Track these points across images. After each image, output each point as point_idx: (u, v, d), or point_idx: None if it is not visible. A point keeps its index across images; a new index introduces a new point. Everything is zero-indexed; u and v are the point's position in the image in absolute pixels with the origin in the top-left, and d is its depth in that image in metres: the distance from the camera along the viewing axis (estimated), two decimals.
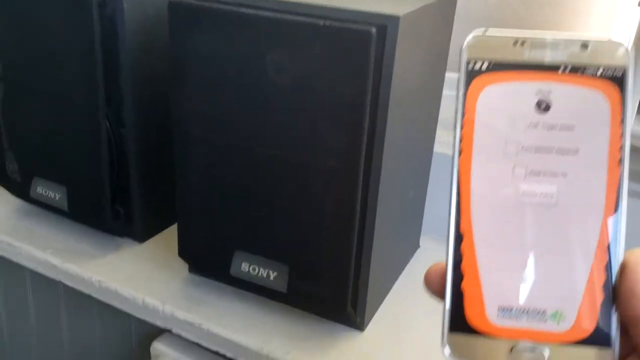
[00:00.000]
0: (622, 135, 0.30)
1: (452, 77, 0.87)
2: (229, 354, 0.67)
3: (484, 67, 0.31)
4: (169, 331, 0.74)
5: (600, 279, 0.31)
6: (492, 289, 0.31)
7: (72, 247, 0.80)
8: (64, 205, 0.79)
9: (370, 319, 0.69)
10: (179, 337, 0.73)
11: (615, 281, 0.31)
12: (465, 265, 0.31)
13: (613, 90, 0.30)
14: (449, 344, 0.31)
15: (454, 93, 0.82)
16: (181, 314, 0.69)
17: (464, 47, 0.31)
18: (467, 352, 0.31)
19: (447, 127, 0.87)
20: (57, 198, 0.80)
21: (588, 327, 0.31)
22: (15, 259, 0.82)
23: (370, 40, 0.53)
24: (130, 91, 0.73)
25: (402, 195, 0.71)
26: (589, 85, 0.30)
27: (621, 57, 0.30)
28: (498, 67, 0.31)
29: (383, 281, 0.72)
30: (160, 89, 0.76)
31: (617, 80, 0.30)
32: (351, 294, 0.63)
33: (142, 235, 0.82)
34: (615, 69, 0.30)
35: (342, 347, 0.65)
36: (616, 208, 0.30)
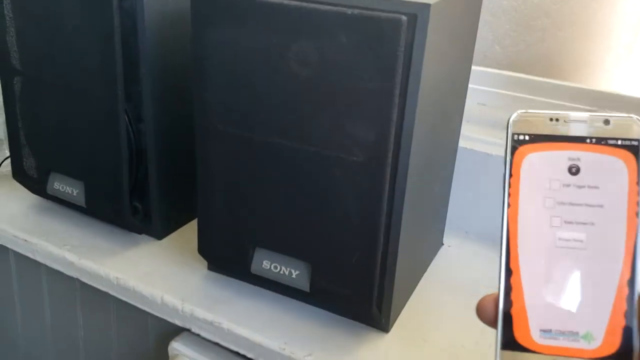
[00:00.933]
0: (639, 193, 0.38)
1: (475, 70, 0.85)
2: (249, 355, 0.65)
3: (526, 138, 0.39)
4: (188, 330, 0.72)
5: (622, 308, 0.39)
6: (535, 314, 0.39)
7: (89, 243, 0.79)
8: (82, 201, 0.78)
9: (395, 319, 0.67)
10: (198, 336, 0.71)
11: (637, 307, 0.38)
12: (514, 295, 0.40)
13: (630, 157, 0.38)
14: (501, 359, 0.39)
15: (476, 86, 0.81)
16: (200, 313, 0.67)
17: (510, 122, 0.40)
18: None
19: (469, 121, 0.85)
20: (74, 194, 0.79)
21: (613, 346, 0.39)
22: (31, 255, 0.80)
23: (401, 29, 0.51)
24: (150, 86, 0.72)
25: (428, 191, 0.69)
26: (610, 153, 0.38)
27: (637, 130, 0.38)
28: (537, 138, 0.39)
29: (408, 280, 0.70)
30: (179, 84, 0.75)
31: (634, 149, 0.38)
32: (376, 293, 0.61)
33: (160, 232, 0.80)
34: (631, 140, 0.38)
35: (366, 349, 0.63)
36: (635, 251, 0.39)
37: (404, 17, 0.50)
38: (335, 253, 0.61)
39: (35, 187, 0.84)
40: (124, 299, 0.73)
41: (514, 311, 0.40)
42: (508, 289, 0.40)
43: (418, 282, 0.74)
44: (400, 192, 0.58)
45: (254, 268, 0.66)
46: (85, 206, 0.78)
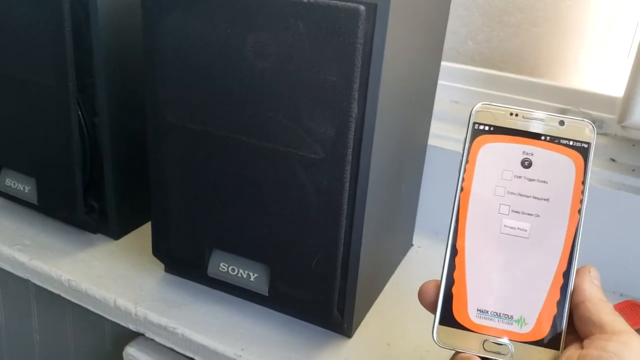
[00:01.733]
0: (583, 192, 0.41)
1: (448, 67, 0.83)
2: None
3: (486, 129, 0.42)
4: (143, 335, 0.69)
5: (555, 297, 0.41)
6: (474, 294, 0.42)
7: (41, 243, 0.75)
8: (34, 199, 0.74)
9: (359, 324, 0.64)
10: (153, 341, 0.68)
11: (569, 296, 0.41)
12: (456, 274, 0.42)
13: (579, 158, 0.41)
14: (437, 333, 0.41)
15: (448, 83, 0.79)
16: (154, 317, 0.64)
17: (473, 111, 0.42)
18: (451, 341, 0.42)
19: (441, 119, 0.82)
20: (26, 190, 0.75)
21: (543, 332, 0.41)
22: None
23: (359, 19, 0.48)
24: (104, 77, 0.68)
25: (394, 189, 0.66)
26: (561, 152, 0.41)
27: (588, 134, 0.41)
28: (496, 130, 0.42)
29: (373, 282, 0.67)
30: (136, 76, 0.71)
31: (583, 150, 0.41)
32: (338, 297, 0.58)
33: (116, 231, 0.77)
34: (582, 143, 0.41)
35: (327, 355, 0.60)
36: (573, 244, 0.41)
37: (362, 7, 0.47)
38: (295, 255, 0.58)
39: None
40: (76, 302, 0.70)
41: (455, 289, 0.42)
42: (452, 267, 0.42)
43: (385, 284, 0.71)
44: (363, 190, 0.55)
45: (211, 271, 0.63)
46: (37, 204, 0.75)
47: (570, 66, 0.82)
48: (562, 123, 0.41)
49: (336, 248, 0.56)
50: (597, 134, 0.76)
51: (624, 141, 0.75)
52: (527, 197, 0.41)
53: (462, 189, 0.42)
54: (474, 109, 0.42)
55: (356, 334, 0.63)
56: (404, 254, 0.78)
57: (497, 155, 0.42)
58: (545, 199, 0.41)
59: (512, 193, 0.42)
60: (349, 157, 0.53)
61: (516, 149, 0.42)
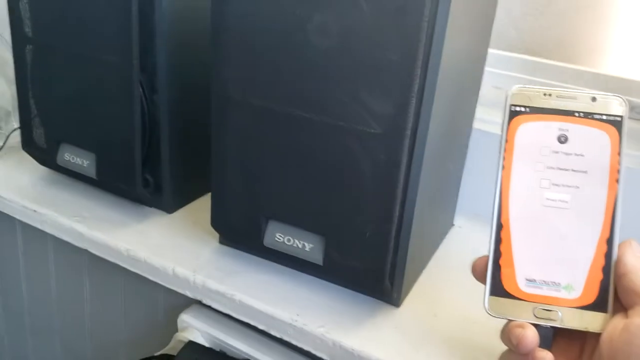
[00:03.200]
0: (619, 162, 0.43)
1: (491, 53, 0.85)
2: (260, 326, 0.65)
3: (522, 109, 0.44)
4: (197, 302, 0.72)
5: (600, 263, 0.43)
6: (521, 265, 0.44)
7: (99, 215, 0.79)
8: (92, 173, 0.78)
9: (407, 295, 0.67)
10: (207, 308, 0.71)
11: (614, 265, 0.43)
12: (503, 247, 0.44)
13: (613, 130, 0.43)
14: (489, 304, 0.44)
15: (491, 69, 0.82)
16: (213, 284, 0.67)
17: (508, 94, 0.45)
18: (503, 310, 0.44)
19: (483, 104, 0.84)
20: (85, 165, 0.78)
21: (591, 297, 0.43)
22: (39, 226, 0.80)
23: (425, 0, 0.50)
24: (165, 57, 0.71)
25: (443, 168, 0.69)
26: (595, 126, 0.43)
27: (619, 108, 0.43)
28: (532, 110, 0.44)
29: (420, 258, 0.70)
30: (195, 55, 0.74)
31: (616, 123, 0.43)
32: (389, 268, 0.61)
33: (171, 205, 0.80)
34: (615, 116, 0.43)
35: (377, 322, 0.63)
36: (614, 212, 0.43)
37: None
38: (350, 226, 0.61)
39: (45, 159, 0.83)
40: (134, 270, 0.73)
41: (502, 261, 0.44)
42: (498, 241, 0.44)
43: (429, 260, 0.74)
44: (417, 166, 0.58)
45: (267, 241, 0.66)
46: (96, 178, 0.78)
47: (611, 53, 0.84)
48: (594, 99, 0.44)
49: (391, 220, 0.59)
50: (636, 119, 0.78)
51: None
52: (566, 170, 0.44)
53: (503, 167, 0.44)
54: (510, 91, 0.45)
55: (404, 304, 0.66)
56: (446, 233, 0.81)
57: (534, 133, 0.44)
58: (583, 171, 0.44)
59: (551, 167, 0.44)
60: (408, 133, 0.56)
61: (552, 126, 0.44)
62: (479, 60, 0.71)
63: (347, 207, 0.60)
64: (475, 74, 0.71)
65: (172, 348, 0.73)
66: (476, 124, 0.79)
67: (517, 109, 0.45)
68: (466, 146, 0.77)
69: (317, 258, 0.64)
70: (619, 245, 0.44)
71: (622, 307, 0.43)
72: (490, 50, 0.83)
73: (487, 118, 0.81)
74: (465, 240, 0.80)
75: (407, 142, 0.56)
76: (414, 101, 0.54)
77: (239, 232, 0.69)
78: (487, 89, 0.86)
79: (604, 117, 0.44)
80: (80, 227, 0.76)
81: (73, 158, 0.80)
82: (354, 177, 0.59)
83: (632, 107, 0.78)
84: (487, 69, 0.84)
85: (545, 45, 0.86)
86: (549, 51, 0.86)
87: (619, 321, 0.42)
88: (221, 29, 0.60)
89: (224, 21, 0.60)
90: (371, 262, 0.61)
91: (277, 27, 0.58)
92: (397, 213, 0.59)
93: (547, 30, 0.85)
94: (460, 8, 0.56)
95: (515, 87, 0.45)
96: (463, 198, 0.82)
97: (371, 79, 0.55)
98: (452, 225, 0.83)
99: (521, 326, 0.43)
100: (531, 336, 0.43)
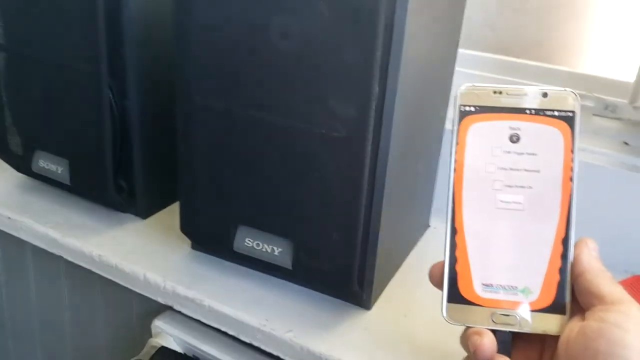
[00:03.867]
0: (572, 160, 0.42)
1: (465, 54, 0.85)
2: (230, 331, 0.65)
3: (472, 109, 0.43)
4: (170, 308, 0.72)
5: (557, 265, 0.42)
6: (477, 269, 0.43)
7: (73, 221, 0.78)
8: (66, 179, 0.78)
9: (377, 297, 0.67)
10: (180, 314, 0.71)
11: (570, 265, 0.42)
12: (458, 252, 0.43)
13: (566, 127, 0.42)
14: (447, 311, 0.43)
15: (465, 70, 0.82)
16: (182, 290, 0.67)
17: (457, 94, 0.44)
18: (461, 317, 0.43)
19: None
20: (59, 171, 0.78)
21: (549, 299, 0.42)
22: (15, 233, 0.80)
23: (380, 2, 0.50)
24: (135, 62, 0.71)
25: (412, 169, 0.68)
26: (547, 123, 0.42)
27: (572, 103, 0.42)
28: (482, 109, 0.43)
29: (391, 260, 0.70)
30: (165, 60, 0.74)
31: (569, 119, 0.42)
32: (358, 270, 0.61)
33: (145, 211, 0.80)
34: (567, 112, 0.42)
35: (346, 326, 0.63)
36: (569, 212, 0.42)
37: None
38: (318, 230, 0.61)
39: (21, 165, 0.83)
40: (107, 276, 0.73)
41: (458, 267, 0.43)
42: (453, 246, 0.44)
43: (403, 261, 0.74)
44: (382, 168, 0.58)
45: (237, 246, 0.66)
46: (70, 184, 0.78)
47: (585, 52, 0.83)
48: (545, 95, 0.42)
49: (357, 222, 0.59)
50: (611, 118, 0.78)
51: (637, 125, 0.77)
52: (518, 170, 0.43)
53: (455, 170, 0.43)
54: (458, 91, 0.44)
55: (375, 307, 0.66)
56: (421, 234, 0.80)
57: (485, 134, 0.43)
58: (536, 171, 0.42)
59: (503, 168, 0.43)
60: (370, 135, 0.55)
61: (502, 125, 0.43)
62: (448, 61, 0.71)
63: (314, 210, 0.60)
64: (443, 74, 0.71)
65: (146, 353, 0.73)
66: (450, 125, 0.78)
67: (467, 108, 0.44)
68: (439, 146, 0.77)
69: (286, 262, 0.63)
70: (575, 245, 0.43)
71: (579, 308, 0.43)
72: (465, 51, 0.83)
73: None
74: (441, 242, 0.79)
75: (369, 145, 0.56)
76: (374, 104, 0.54)
77: (209, 237, 0.69)
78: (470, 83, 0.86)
79: (556, 113, 0.42)
80: (55, 234, 0.76)
81: (47, 165, 0.80)
82: (320, 181, 0.59)
83: (606, 106, 0.78)
84: (462, 69, 0.84)
85: (521, 45, 0.86)
86: (524, 50, 0.86)
87: (575, 324, 0.42)
88: (184, 33, 0.60)
89: (187, 25, 0.60)
90: (339, 264, 0.61)
91: (238, 30, 0.57)
92: (363, 215, 0.59)
93: (521, 29, 0.85)
94: (421, 10, 0.56)
95: (464, 87, 0.44)
96: (439, 199, 0.82)
97: (333, 82, 0.55)
98: (428, 226, 0.82)
99: (478, 333, 0.42)
100: (488, 344, 0.42)
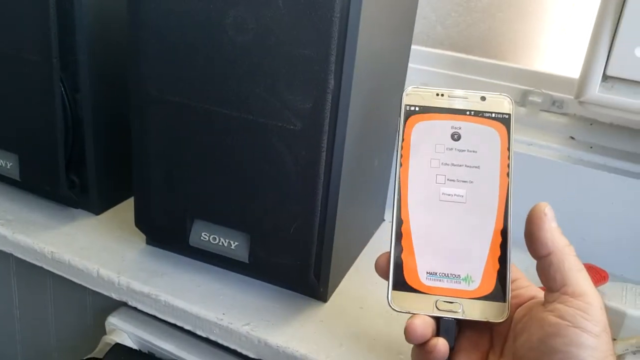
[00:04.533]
0: (509, 157, 0.45)
1: (417, 50, 0.86)
2: (187, 326, 0.65)
3: (417, 109, 0.46)
4: (125, 305, 0.71)
5: (496, 254, 0.45)
6: (422, 259, 0.45)
7: (24, 218, 0.77)
8: (16, 174, 0.76)
9: (334, 290, 0.67)
10: (135, 310, 0.70)
11: (509, 254, 0.45)
12: (404, 241, 0.45)
13: (502, 127, 0.45)
14: (392, 298, 0.45)
15: (418, 66, 0.84)
16: (137, 286, 0.66)
17: (404, 95, 0.47)
18: (405, 304, 0.45)
19: None
20: (8, 167, 0.76)
21: (489, 287, 0.44)
22: None
23: None
24: (87, 54, 0.70)
25: (368, 163, 0.69)
26: (486, 124, 0.46)
27: (507, 106, 0.46)
28: (426, 109, 0.46)
29: (347, 253, 0.71)
30: (118, 53, 0.73)
31: (505, 121, 0.45)
32: (314, 263, 0.61)
33: (98, 206, 0.78)
34: (503, 114, 0.46)
35: (303, 318, 0.63)
36: (507, 205, 0.45)
37: None
38: (274, 223, 0.61)
39: None
40: (59, 273, 0.72)
41: (404, 256, 0.45)
42: (399, 236, 0.46)
43: (358, 254, 0.75)
44: (338, 161, 0.58)
45: (192, 240, 0.65)
46: (19, 180, 0.76)
47: (532, 49, 0.86)
48: (483, 98, 0.46)
49: (313, 215, 0.59)
50: (558, 113, 0.81)
51: (582, 120, 0.80)
52: (460, 166, 0.46)
53: (401, 165, 0.46)
54: (404, 92, 0.47)
55: (331, 299, 0.66)
56: (376, 228, 0.81)
57: (429, 132, 0.46)
58: (476, 167, 0.45)
59: (446, 164, 0.46)
60: (326, 128, 0.56)
61: (445, 124, 0.46)
62: (401, 56, 0.72)
63: (271, 203, 0.61)
64: (397, 69, 0.72)
65: (100, 351, 0.72)
66: None
67: (412, 108, 0.47)
68: (393, 141, 0.78)
69: (243, 256, 0.64)
70: (531, 215, 0.43)
71: (537, 291, 0.44)
72: (417, 47, 0.84)
73: None
74: None
75: (326, 138, 0.56)
76: (330, 96, 0.55)
77: (164, 232, 0.68)
78: (415, 85, 0.87)
79: (493, 115, 0.46)
80: (4, 231, 0.74)
81: None
82: (276, 174, 0.59)
83: (554, 101, 0.81)
84: (414, 65, 0.85)
85: (470, 41, 0.88)
86: (473, 47, 0.88)
87: (535, 309, 0.42)
88: (137, 24, 0.60)
89: (140, 16, 0.59)
90: (296, 257, 0.61)
91: (193, 22, 0.57)
92: (319, 208, 0.59)
93: (471, 27, 0.87)
94: (375, 4, 0.56)
95: (409, 88, 0.47)
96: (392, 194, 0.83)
97: (289, 75, 0.55)
98: (383, 220, 0.84)
99: (412, 317, 0.44)
100: (417, 325, 0.43)
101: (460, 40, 0.88)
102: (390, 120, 0.75)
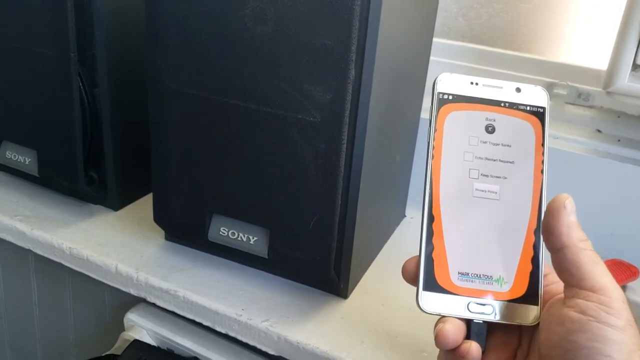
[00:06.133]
0: (543, 153, 0.43)
1: (439, 43, 0.85)
2: (206, 322, 0.64)
3: (450, 97, 0.43)
4: (143, 301, 0.70)
5: (529, 254, 0.42)
6: (454, 258, 0.42)
7: (42, 214, 0.76)
8: (34, 170, 0.76)
9: (355, 286, 0.66)
10: (154, 307, 0.70)
11: (542, 255, 0.42)
12: (435, 239, 0.42)
13: (537, 122, 0.43)
14: (422, 299, 0.42)
15: (440, 59, 0.82)
16: (156, 282, 0.65)
17: (435, 82, 0.43)
18: (436, 306, 0.42)
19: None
20: (27, 162, 0.76)
21: (522, 289, 0.42)
22: None
23: None
24: (105, 49, 0.70)
25: (389, 158, 0.68)
26: (521, 117, 0.43)
27: (543, 99, 0.43)
28: (459, 98, 0.43)
29: (367, 249, 0.69)
30: (137, 47, 0.73)
31: (540, 114, 0.43)
32: (334, 259, 0.60)
33: (116, 202, 0.78)
34: (538, 107, 0.43)
35: (323, 315, 0.62)
36: (540, 203, 0.42)
37: None
38: (294, 217, 0.60)
39: None
40: (77, 269, 0.71)
41: (435, 255, 0.42)
42: (430, 233, 0.43)
43: (379, 251, 0.74)
44: (359, 153, 0.57)
45: (211, 235, 0.65)
46: (38, 175, 0.76)
47: (557, 41, 0.84)
48: (518, 90, 0.43)
49: (334, 209, 0.58)
50: (584, 106, 0.79)
51: (609, 113, 0.78)
52: (494, 160, 0.43)
53: (433, 157, 0.43)
54: (437, 79, 0.44)
55: (352, 296, 0.65)
56: (397, 224, 0.80)
57: (463, 123, 0.43)
58: (510, 162, 0.43)
59: (479, 158, 0.43)
60: (346, 120, 0.55)
61: (479, 115, 0.43)
62: (423, 49, 0.71)
63: (290, 197, 0.59)
64: (419, 62, 0.71)
65: (118, 347, 0.71)
66: (425, 114, 0.78)
67: (446, 96, 0.43)
68: (414, 136, 0.77)
69: (262, 251, 0.63)
70: (550, 208, 0.40)
71: (557, 289, 0.42)
72: (439, 40, 0.83)
73: None
74: (417, 231, 0.78)
75: (346, 130, 0.55)
76: (350, 87, 0.53)
77: (183, 227, 0.67)
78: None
79: (528, 108, 0.43)
80: (23, 227, 0.74)
81: (14, 156, 0.77)
82: (296, 167, 0.58)
83: (579, 94, 0.79)
84: (436, 58, 0.84)
85: (493, 33, 0.86)
86: (496, 39, 0.86)
87: (555, 308, 0.40)
88: (155, 16, 0.59)
89: (158, 8, 0.59)
90: (316, 253, 0.60)
91: (211, 14, 0.56)
92: (339, 203, 0.58)
93: (493, 18, 0.85)
94: None
95: (442, 75, 0.44)
96: (415, 189, 0.82)
97: (308, 66, 0.54)
98: (404, 216, 0.82)
99: (443, 321, 0.41)
100: (449, 330, 0.41)
101: (483, 32, 0.86)
102: (412, 114, 0.73)
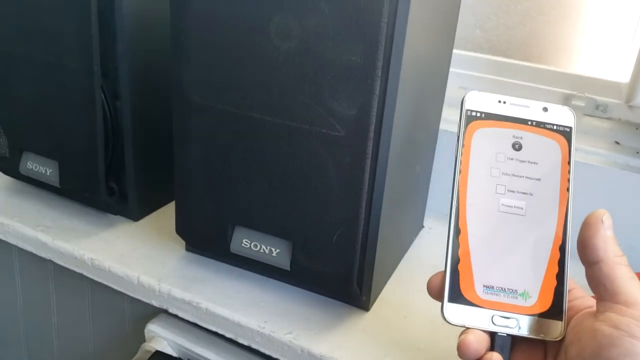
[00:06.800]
0: (569, 171, 0.44)
1: (457, 54, 0.85)
2: (228, 334, 0.64)
3: (478, 115, 0.45)
4: (164, 312, 0.71)
5: (554, 270, 0.43)
6: (479, 271, 0.43)
7: (63, 224, 0.77)
8: (56, 181, 0.76)
9: (376, 298, 0.66)
10: (175, 318, 0.70)
11: (567, 271, 0.43)
12: (461, 252, 0.43)
13: (563, 140, 0.44)
14: (447, 311, 0.43)
15: (457, 70, 0.82)
16: (178, 293, 0.66)
17: (465, 99, 0.45)
18: (461, 318, 0.43)
19: (451, 105, 0.85)
20: (48, 173, 0.77)
21: (546, 304, 0.43)
22: (2, 237, 0.78)
23: (384, 0, 0.50)
24: (127, 62, 0.70)
25: (410, 170, 0.68)
26: (547, 135, 0.44)
27: (569, 119, 0.45)
28: (487, 116, 0.45)
29: (389, 261, 0.70)
30: (159, 60, 0.73)
31: (566, 134, 0.45)
32: (357, 271, 0.60)
33: (137, 213, 0.79)
34: (565, 127, 0.45)
35: (346, 327, 0.62)
36: (566, 219, 0.44)
37: None
38: (317, 230, 0.60)
39: (8, 167, 0.81)
40: (99, 280, 0.72)
41: (460, 267, 0.43)
42: (456, 246, 0.44)
43: (399, 262, 0.74)
44: (382, 167, 0.58)
45: (234, 247, 0.65)
46: (59, 186, 0.76)
47: (575, 53, 0.84)
48: (545, 109, 0.45)
49: (357, 223, 0.58)
50: (602, 118, 0.79)
51: (628, 125, 0.78)
52: (521, 177, 0.44)
53: (460, 171, 0.45)
54: (466, 96, 0.45)
55: (373, 308, 0.65)
56: (416, 235, 0.80)
57: (490, 139, 0.45)
58: (537, 179, 0.44)
59: (506, 174, 0.44)
60: (371, 134, 0.55)
61: (507, 133, 0.45)
62: (444, 61, 0.71)
63: (313, 210, 0.60)
64: (439, 74, 0.71)
65: (139, 359, 0.72)
66: (443, 125, 0.78)
67: (474, 114, 0.45)
68: (434, 147, 0.77)
69: (285, 263, 0.63)
70: (587, 221, 0.41)
71: (588, 302, 0.43)
72: (456, 51, 0.83)
73: (454, 119, 0.81)
74: (435, 242, 0.79)
75: (370, 144, 0.56)
76: (376, 103, 0.54)
77: (205, 239, 0.68)
78: (454, 89, 0.86)
79: (555, 127, 0.45)
80: (44, 237, 0.75)
81: (36, 167, 0.78)
82: (319, 181, 0.58)
83: (597, 106, 0.79)
84: (453, 69, 0.84)
85: (510, 45, 0.86)
86: (514, 51, 0.86)
87: (586, 320, 0.41)
88: (181, 31, 0.60)
89: (183, 22, 0.59)
90: (339, 265, 0.60)
91: (237, 29, 0.57)
92: (363, 216, 0.58)
93: (511, 30, 0.85)
94: (421, 8, 0.55)
95: (471, 92, 0.46)
96: (432, 199, 0.82)
97: (333, 81, 0.55)
98: (422, 227, 0.82)
99: (465, 332, 0.42)
100: (471, 341, 0.41)
101: (500, 43, 0.87)
102: (432, 126, 0.74)
